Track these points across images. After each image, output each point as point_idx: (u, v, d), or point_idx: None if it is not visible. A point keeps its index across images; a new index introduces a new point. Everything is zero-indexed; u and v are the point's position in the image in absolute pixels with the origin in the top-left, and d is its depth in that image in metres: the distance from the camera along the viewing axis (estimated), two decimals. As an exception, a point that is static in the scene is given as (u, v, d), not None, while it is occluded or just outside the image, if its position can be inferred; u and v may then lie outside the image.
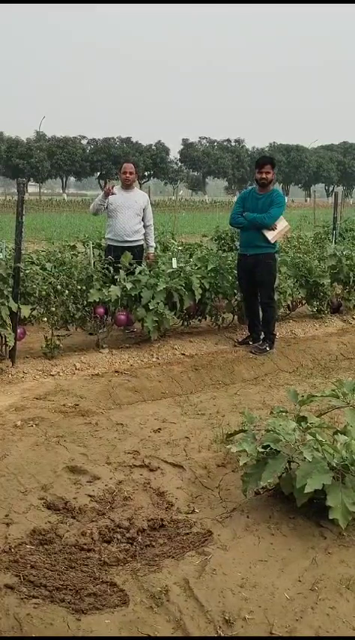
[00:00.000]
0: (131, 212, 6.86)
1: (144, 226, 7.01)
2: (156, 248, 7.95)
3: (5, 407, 4.67)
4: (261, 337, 6.58)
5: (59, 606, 2.48)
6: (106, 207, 6.88)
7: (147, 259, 6.98)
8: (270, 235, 6.34)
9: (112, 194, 6.79)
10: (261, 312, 6.63)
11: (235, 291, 6.90)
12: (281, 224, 6.44)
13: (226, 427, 4.39)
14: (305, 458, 3.09)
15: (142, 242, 7.04)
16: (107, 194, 6.81)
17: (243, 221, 6.42)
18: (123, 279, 6.16)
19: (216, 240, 10.55)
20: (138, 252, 6.84)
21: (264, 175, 6.39)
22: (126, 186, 6.98)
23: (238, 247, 6.89)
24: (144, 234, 7.03)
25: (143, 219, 6.98)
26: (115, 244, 6.80)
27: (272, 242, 6.41)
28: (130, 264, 6.33)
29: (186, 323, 7.01)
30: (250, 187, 6.93)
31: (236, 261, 6.88)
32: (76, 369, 5.62)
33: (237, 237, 9.58)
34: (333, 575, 2.77)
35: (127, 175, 6.93)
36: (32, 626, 2.37)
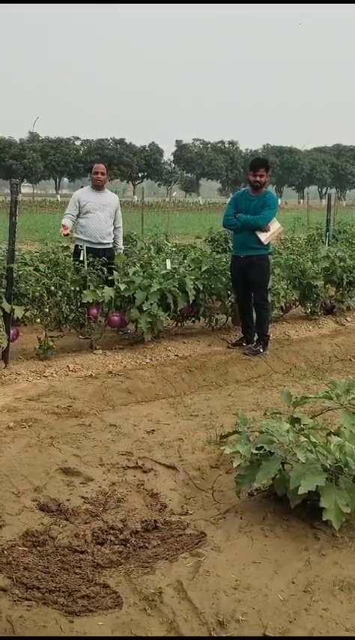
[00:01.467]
0: (105, 214, 6.86)
1: (114, 228, 7.02)
2: (149, 249, 7.94)
3: (-2, 408, 4.65)
4: (255, 339, 6.58)
5: (52, 608, 2.47)
6: (79, 210, 6.85)
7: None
8: (263, 237, 6.35)
9: (67, 234, 6.84)
10: (254, 314, 6.63)
11: (229, 292, 6.90)
12: (275, 226, 6.45)
13: (220, 428, 4.39)
14: (298, 459, 3.09)
15: (112, 244, 7.05)
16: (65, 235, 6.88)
17: (236, 223, 6.42)
18: (117, 280, 6.16)
19: (209, 241, 10.57)
20: (109, 254, 6.80)
21: (258, 178, 6.39)
22: (98, 187, 6.94)
23: (231, 249, 6.89)
24: (114, 236, 7.03)
25: (114, 222, 6.98)
26: (88, 245, 6.67)
27: (265, 243, 6.41)
28: (104, 266, 6.26)
29: (179, 324, 7.00)
30: (243, 189, 6.93)
31: (229, 263, 6.88)
32: (69, 370, 5.60)
33: (231, 238, 9.61)
34: (327, 577, 2.77)
35: (98, 176, 6.91)
36: (25, 629, 2.36)
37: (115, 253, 7.02)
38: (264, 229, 6.34)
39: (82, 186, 7.55)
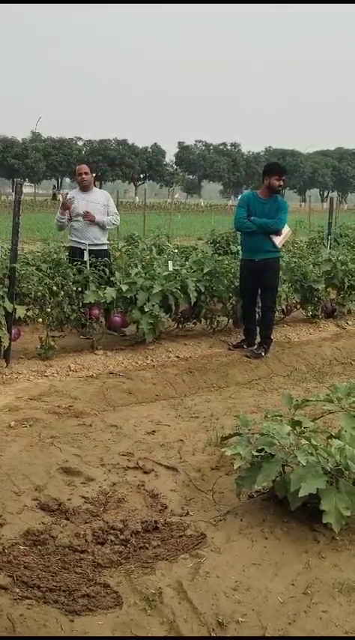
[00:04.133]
0: (97, 214, 6.76)
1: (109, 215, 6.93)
2: (151, 250, 7.94)
3: (-1, 407, 4.66)
4: (257, 342, 6.59)
5: (52, 607, 2.48)
6: (70, 214, 6.75)
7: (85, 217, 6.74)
8: (277, 240, 6.39)
9: (70, 204, 6.64)
10: (257, 317, 6.66)
11: (230, 294, 6.90)
12: (285, 229, 6.49)
13: (220, 430, 4.40)
14: (299, 462, 3.10)
15: (106, 246, 7.01)
16: (66, 207, 6.68)
17: (252, 226, 6.34)
18: (119, 281, 6.17)
19: (211, 243, 10.58)
20: (103, 254, 6.76)
21: (281, 183, 6.42)
22: (84, 187, 6.87)
23: (241, 252, 6.77)
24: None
25: (108, 214, 6.90)
26: (83, 248, 6.54)
27: (279, 247, 6.46)
28: (98, 266, 6.26)
29: (180, 326, 7.00)
30: (250, 191, 6.91)
31: (233, 265, 6.88)
32: (70, 370, 5.61)
33: (233, 241, 9.60)
34: (326, 579, 2.78)
35: (83, 177, 6.83)
36: (25, 627, 2.37)
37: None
38: (278, 233, 6.37)
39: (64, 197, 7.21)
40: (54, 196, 57.29)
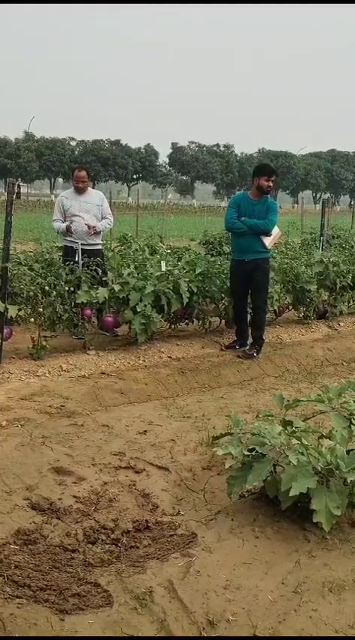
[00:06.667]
0: (90, 215, 6.78)
1: (103, 218, 6.95)
2: (144, 251, 7.94)
3: (-10, 407, 4.65)
4: (249, 342, 6.61)
5: (43, 606, 2.48)
6: (64, 215, 6.78)
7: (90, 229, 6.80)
8: (267, 241, 6.41)
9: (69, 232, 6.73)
10: (249, 318, 6.67)
11: (223, 295, 6.91)
12: (275, 230, 6.52)
13: (212, 430, 4.40)
14: (290, 462, 3.11)
15: (101, 245, 7.02)
16: (67, 230, 6.75)
17: (243, 226, 6.38)
18: (111, 281, 6.17)
19: (204, 244, 10.61)
20: (97, 254, 6.77)
21: (270, 184, 6.44)
22: (80, 193, 6.92)
23: (231, 253, 6.84)
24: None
25: (102, 214, 6.93)
26: (76, 247, 6.57)
27: (269, 247, 6.48)
28: (91, 266, 6.26)
29: (173, 326, 7.01)
30: (241, 192, 6.94)
31: (225, 266, 6.90)
32: (62, 370, 5.60)
33: (226, 242, 9.63)
34: (316, 578, 2.79)
35: (80, 185, 6.86)
36: (16, 626, 2.36)
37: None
38: (267, 234, 6.39)
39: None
40: (18, 195, 58.04)
